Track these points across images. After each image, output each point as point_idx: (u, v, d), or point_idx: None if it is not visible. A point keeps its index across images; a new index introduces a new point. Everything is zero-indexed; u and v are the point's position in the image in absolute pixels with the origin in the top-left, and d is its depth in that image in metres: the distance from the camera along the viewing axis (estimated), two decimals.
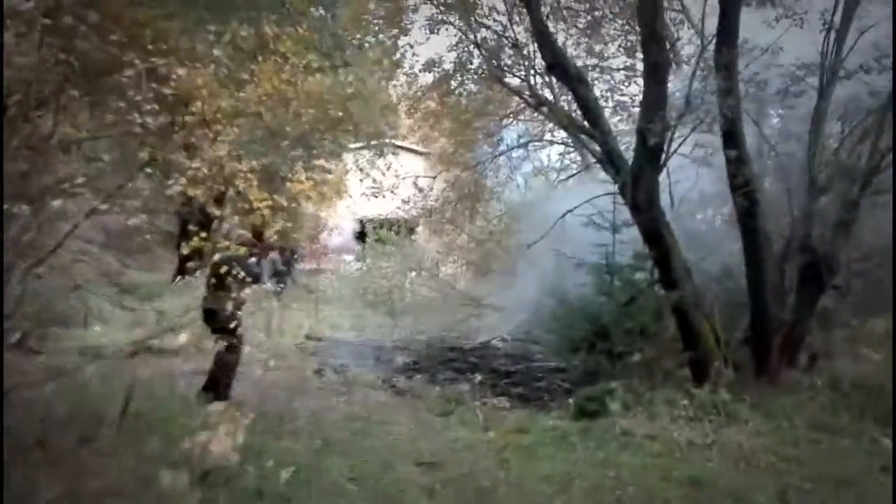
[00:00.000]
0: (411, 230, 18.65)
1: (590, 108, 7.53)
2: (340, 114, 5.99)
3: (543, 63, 8.02)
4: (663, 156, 6.48)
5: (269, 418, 6.58)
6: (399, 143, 19.69)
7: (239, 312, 6.97)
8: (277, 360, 9.37)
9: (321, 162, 5.89)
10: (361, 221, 20.60)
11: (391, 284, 15.75)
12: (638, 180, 6.50)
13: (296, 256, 17.48)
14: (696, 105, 6.54)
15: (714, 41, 6.57)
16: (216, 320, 6.84)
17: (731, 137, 6.67)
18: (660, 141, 6.16)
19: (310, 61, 6.40)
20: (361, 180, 16.78)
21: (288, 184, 5.94)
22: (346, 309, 14.56)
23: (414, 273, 16.42)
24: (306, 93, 6.13)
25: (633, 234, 7.65)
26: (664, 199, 7.02)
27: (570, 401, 6.57)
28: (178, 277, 17.13)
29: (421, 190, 11.84)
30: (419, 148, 20.17)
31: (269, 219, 6.06)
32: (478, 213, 13.57)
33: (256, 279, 7.14)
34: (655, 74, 6.21)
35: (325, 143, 18.75)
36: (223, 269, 6.37)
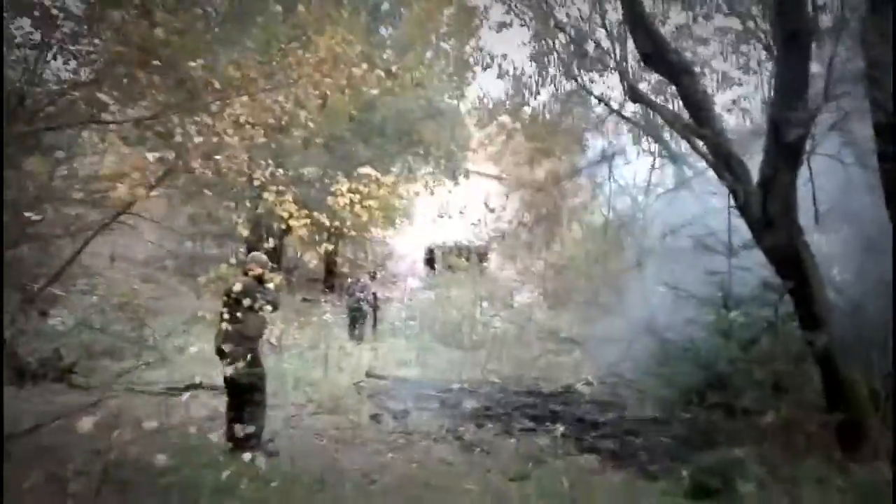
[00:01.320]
0: (482, 257, 17.42)
1: (698, 104, 6.14)
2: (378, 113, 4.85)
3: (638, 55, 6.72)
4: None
5: (305, 481, 5.44)
6: (472, 167, 18.65)
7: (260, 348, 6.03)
8: (330, 403, 8.29)
9: (367, 170, 4.73)
10: (430, 248, 19.57)
11: (461, 315, 14.52)
12: (770, 187, 5.06)
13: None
14: (837, 89, 5.09)
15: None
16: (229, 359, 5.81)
17: (888, 129, 5.15)
18: (802, 133, 4.72)
19: (353, 53, 5.35)
20: (431, 193, 15.77)
21: (330, 199, 4.84)
22: (413, 342, 13.41)
23: (486, 303, 15.14)
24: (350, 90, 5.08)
25: (754, 259, 6.16)
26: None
27: (684, 473, 5.10)
28: None
29: (492, 210, 10.61)
30: (492, 171, 19.07)
31: (309, 239, 5.00)
32: (555, 238, 12.23)
33: (275, 307, 6.25)
34: (795, 46, 4.79)
35: (397, 164, 17.90)
36: (245, 301, 5.38)
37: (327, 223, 4.96)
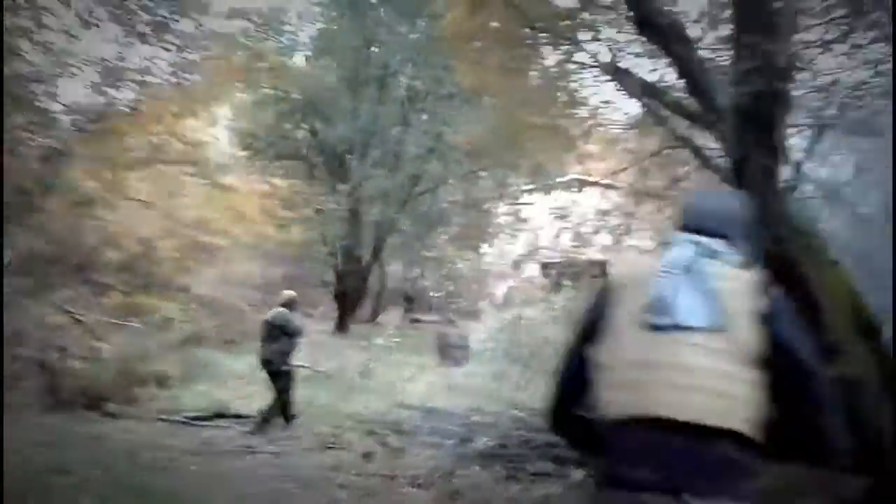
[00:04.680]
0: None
1: (694, 76, 4.85)
2: None
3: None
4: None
5: None
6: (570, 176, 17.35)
7: None
8: (331, 438, 7.69)
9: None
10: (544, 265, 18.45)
11: (543, 338, 13.33)
12: (743, 166, 3.71)
13: None
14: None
15: None
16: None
17: None
18: (773, 83, 3.29)
19: None
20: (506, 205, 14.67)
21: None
22: (483, 365, 12.51)
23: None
24: None
25: None
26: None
27: None
28: (338, 329, 16.52)
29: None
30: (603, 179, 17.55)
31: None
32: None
33: (293, 335, 8.45)
34: None
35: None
36: None
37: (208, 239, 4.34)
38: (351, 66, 16.52)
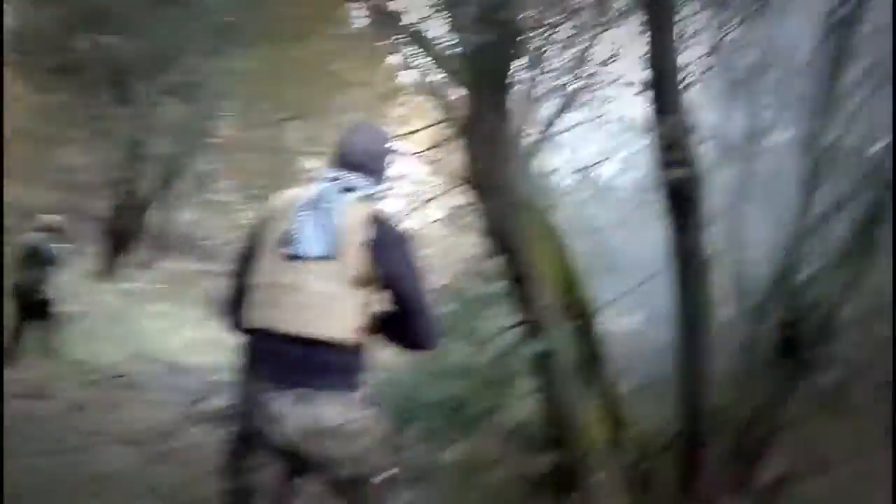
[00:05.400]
0: None
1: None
2: None
3: None
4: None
5: None
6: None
7: None
8: (49, 385, 6.75)
9: None
10: None
11: None
12: (472, 126, 3.55)
13: None
14: None
15: None
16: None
17: (659, 70, 3.75)
18: (503, 30, 3.09)
19: None
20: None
21: None
22: None
23: None
24: None
25: None
26: None
27: None
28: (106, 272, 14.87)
29: None
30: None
31: None
32: None
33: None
34: None
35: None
36: None
37: None
38: None
